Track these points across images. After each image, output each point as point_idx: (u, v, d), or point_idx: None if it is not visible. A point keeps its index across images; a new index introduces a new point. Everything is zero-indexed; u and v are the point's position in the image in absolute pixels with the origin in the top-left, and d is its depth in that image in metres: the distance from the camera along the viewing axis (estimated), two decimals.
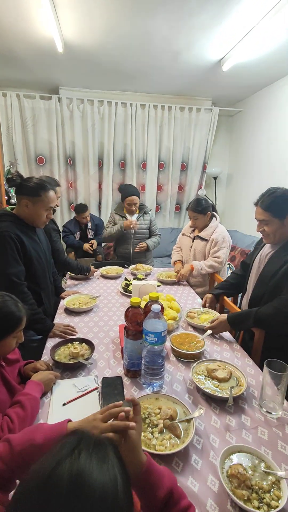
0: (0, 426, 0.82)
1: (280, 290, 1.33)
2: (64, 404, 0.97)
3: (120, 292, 1.97)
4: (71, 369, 1.16)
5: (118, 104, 3.83)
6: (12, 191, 3.48)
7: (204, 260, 2.21)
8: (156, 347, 1.02)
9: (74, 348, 1.23)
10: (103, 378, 1.10)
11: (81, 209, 3.50)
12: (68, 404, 0.98)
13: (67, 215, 4.20)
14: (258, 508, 0.66)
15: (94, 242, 3.54)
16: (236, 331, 1.60)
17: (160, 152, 4.15)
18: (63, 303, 1.74)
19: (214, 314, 1.61)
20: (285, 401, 0.99)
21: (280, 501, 0.67)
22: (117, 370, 1.18)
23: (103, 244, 3.80)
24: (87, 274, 2.17)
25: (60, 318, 1.61)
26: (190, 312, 1.61)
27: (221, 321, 1.42)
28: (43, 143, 3.85)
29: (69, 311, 1.68)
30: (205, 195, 4.41)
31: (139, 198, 2.71)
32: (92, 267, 2.22)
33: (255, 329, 1.40)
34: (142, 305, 1.25)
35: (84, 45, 2.58)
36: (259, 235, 3.68)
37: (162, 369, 1.07)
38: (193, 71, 3.12)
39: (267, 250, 1.49)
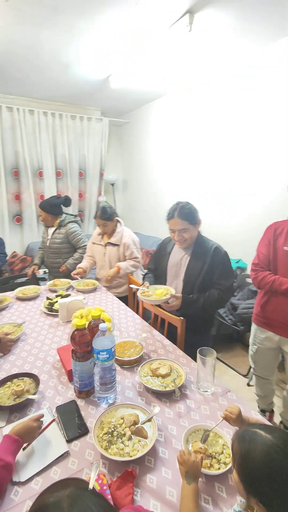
0: None
1: (206, 286, 1.62)
2: (24, 449, 0.92)
3: (44, 312, 1.90)
4: (19, 409, 1.10)
5: (2, 108, 3.51)
6: None
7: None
8: (107, 363, 1.09)
9: (17, 385, 1.15)
10: (57, 407, 1.10)
11: None
12: (29, 446, 0.94)
13: None
14: (219, 469, 0.84)
15: None
16: (181, 312, 1.67)
17: (56, 160, 4.05)
18: None
19: (166, 288, 1.67)
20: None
21: (231, 455, 0.88)
22: (68, 395, 1.18)
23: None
24: None
25: None
26: (143, 293, 1.63)
27: (179, 300, 1.57)
28: None
29: None
30: (105, 201, 4.57)
31: (45, 212, 2.65)
32: None
33: (177, 322, 1.63)
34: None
35: None
36: (161, 235, 4.11)
37: (114, 382, 1.14)
38: (82, 84, 3.19)
39: (179, 255, 1.73)
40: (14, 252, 3.95)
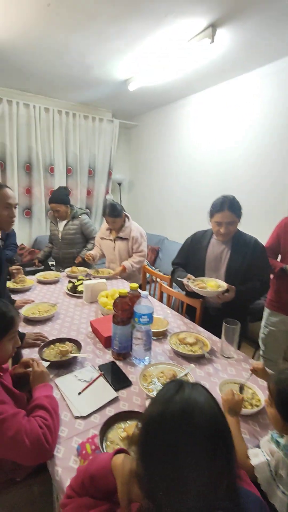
0: (38, 425, 0.86)
1: (247, 279, 1.61)
2: (79, 393, 1.05)
3: (68, 294, 2.02)
4: (65, 366, 1.22)
5: (20, 104, 3.64)
6: None
7: (129, 256, 2.52)
8: (146, 326, 1.23)
9: (62, 347, 1.27)
10: (99, 365, 1.23)
11: None
12: (83, 392, 1.06)
13: None
14: (252, 408, 0.99)
15: None
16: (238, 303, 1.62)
17: (67, 157, 4.18)
18: (20, 313, 1.66)
19: (214, 280, 1.64)
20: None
21: (260, 400, 1.03)
22: (105, 357, 1.31)
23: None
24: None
25: (22, 330, 1.56)
26: (197, 284, 1.58)
27: (233, 291, 1.54)
28: None
29: (28, 321, 1.63)
30: (112, 199, 4.72)
31: (65, 204, 2.75)
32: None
33: (197, 304, 1.76)
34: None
35: None
36: (165, 233, 4.19)
37: (151, 345, 1.28)
38: (101, 86, 3.36)
39: (218, 248, 1.70)
40: (22, 244, 4.04)
